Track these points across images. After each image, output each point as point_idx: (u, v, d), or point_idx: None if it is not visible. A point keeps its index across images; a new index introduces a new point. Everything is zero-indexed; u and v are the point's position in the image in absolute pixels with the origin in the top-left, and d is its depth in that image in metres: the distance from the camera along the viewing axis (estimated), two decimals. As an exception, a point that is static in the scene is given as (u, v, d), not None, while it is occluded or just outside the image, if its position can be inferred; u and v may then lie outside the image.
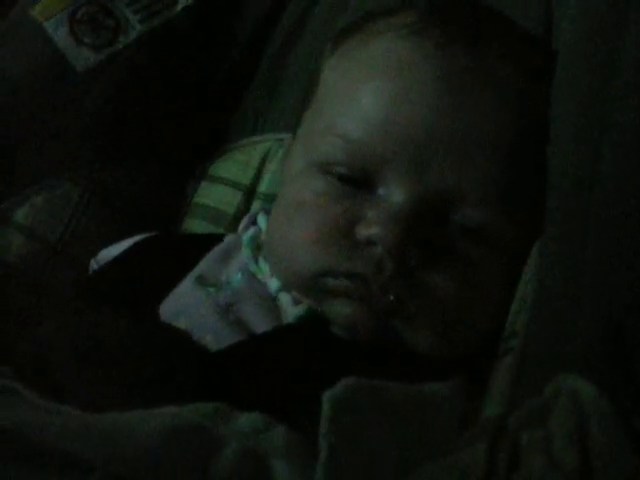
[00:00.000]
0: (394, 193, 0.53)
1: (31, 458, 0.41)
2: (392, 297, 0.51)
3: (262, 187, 0.75)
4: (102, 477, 0.40)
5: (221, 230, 0.74)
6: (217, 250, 0.61)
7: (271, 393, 0.46)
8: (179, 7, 0.80)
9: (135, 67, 0.77)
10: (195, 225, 0.76)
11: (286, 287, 0.56)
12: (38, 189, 0.74)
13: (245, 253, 0.59)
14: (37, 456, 0.41)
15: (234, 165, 0.77)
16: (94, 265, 0.66)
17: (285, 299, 0.55)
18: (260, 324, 0.54)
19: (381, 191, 0.53)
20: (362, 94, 0.55)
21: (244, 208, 0.75)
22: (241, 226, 0.66)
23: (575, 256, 0.43)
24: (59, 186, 0.74)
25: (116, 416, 0.44)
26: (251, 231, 0.61)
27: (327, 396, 0.38)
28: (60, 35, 0.76)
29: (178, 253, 0.61)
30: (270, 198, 0.72)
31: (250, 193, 0.76)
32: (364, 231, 0.52)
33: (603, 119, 0.44)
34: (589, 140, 0.45)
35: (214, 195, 0.77)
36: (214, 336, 0.53)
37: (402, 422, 0.42)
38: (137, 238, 0.66)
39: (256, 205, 0.74)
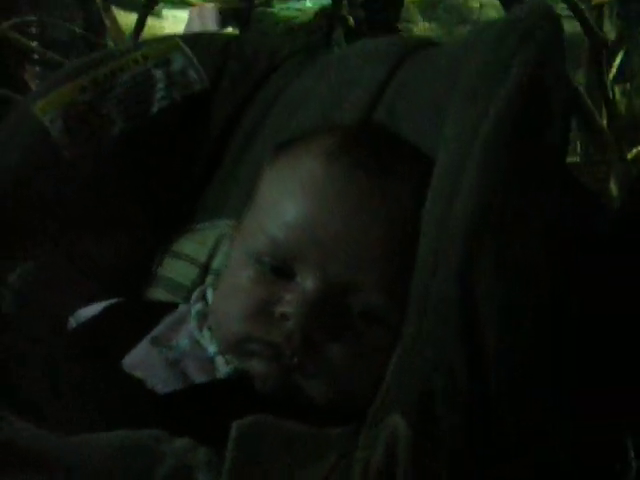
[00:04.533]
0: (305, 282, 0.74)
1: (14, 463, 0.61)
2: (296, 360, 0.72)
3: (215, 265, 0.93)
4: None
5: (178, 298, 0.93)
6: (171, 318, 0.82)
7: (202, 426, 0.67)
8: (155, 109, 1.00)
9: (115, 158, 0.96)
10: (157, 293, 0.94)
11: (221, 351, 0.76)
12: (27, 256, 0.94)
13: (192, 323, 0.80)
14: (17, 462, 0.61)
15: (193, 244, 0.96)
16: (72, 322, 0.86)
17: (220, 360, 0.76)
18: (199, 377, 0.75)
19: (297, 279, 0.74)
20: (286, 206, 0.76)
21: (199, 281, 0.93)
22: (193, 298, 0.86)
23: (417, 333, 0.65)
24: (45, 254, 0.94)
25: (83, 437, 0.64)
26: (198, 306, 0.82)
27: (236, 424, 0.59)
28: (55, 128, 0.95)
29: (139, 318, 0.83)
30: (220, 274, 0.93)
31: (205, 269, 0.94)
32: (280, 309, 0.73)
33: (442, 239, 0.67)
34: (432, 248, 0.68)
35: (174, 269, 0.95)
36: (163, 385, 0.73)
37: (295, 453, 0.63)
38: (107, 303, 0.87)
39: (209, 279, 0.94)
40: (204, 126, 1.01)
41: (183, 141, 1.00)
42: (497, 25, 0.76)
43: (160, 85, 1.00)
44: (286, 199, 0.77)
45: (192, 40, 1.03)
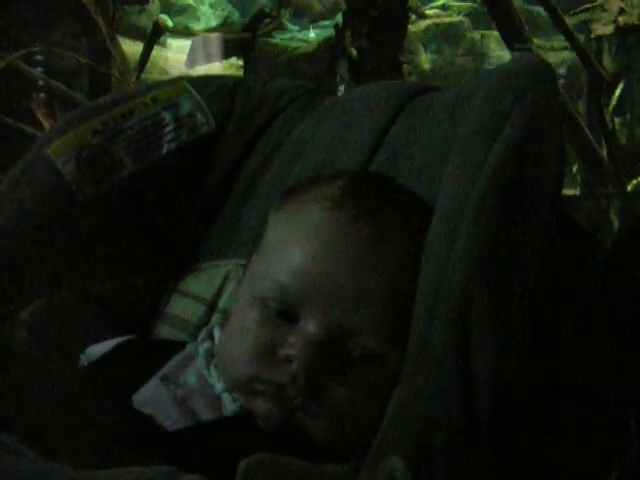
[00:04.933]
0: (309, 325, 0.78)
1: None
2: (299, 400, 0.76)
3: (221, 304, 0.97)
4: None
5: (185, 336, 0.97)
6: (179, 356, 0.85)
7: (210, 462, 0.71)
8: (164, 151, 1.04)
9: (125, 200, 1.01)
10: (165, 331, 0.97)
11: (228, 389, 0.80)
12: (40, 294, 0.98)
13: (200, 362, 0.84)
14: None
15: (200, 283, 0.99)
16: (83, 359, 0.90)
17: (226, 398, 0.80)
18: (206, 415, 0.79)
19: (300, 323, 0.78)
20: (292, 252, 0.80)
21: (205, 319, 0.96)
22: (200, 336, 0.89)
23: (416, 374, 0.69)
24: (57, 292, 0.98)
25: (97, 473, 0.68)
26: (206, 345, 0.86)
27: (243, 463, 0.63)
28: (68, 169, 0.99)
29: (149, 356, 0.86)
30: (226, 313, 0.95)
31: (211, 307, 0.97)
32: (285, 351, 0.77)
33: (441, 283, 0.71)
34: (431, 291, 0.72)
35: (182, 307, 0.98)
36: (172, 422, 0.77)
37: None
38: (118, 340, 0.90)
39: (215, 318, 0.98)
40: (210, 167, 1.05)
41: (190, 182, 1.04)
42: (493, 79, 0.80)
43: (169, 128, 1.03)
44: (291, 245, 0.81)
45: (201, 84, 1.07)
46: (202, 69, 4.28)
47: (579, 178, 4.01)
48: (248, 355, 0.79)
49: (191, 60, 4.20)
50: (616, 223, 3.34)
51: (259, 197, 1.03)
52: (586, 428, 0.78)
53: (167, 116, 1.04)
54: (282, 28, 4.19)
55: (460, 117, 0.83)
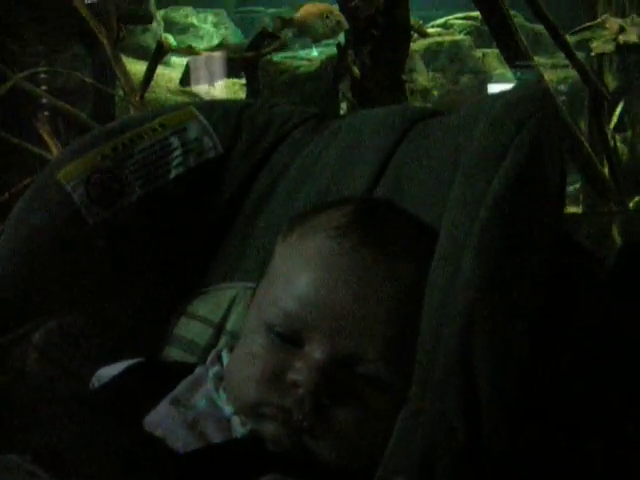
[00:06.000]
0: (315, 351, 0.79)
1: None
2: (306, 423, 0.77)
3: (229, 326, 0.98)
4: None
5: (194, 358, 0.98)
6: (189, 379, 0.87)
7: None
8: (172, 176, 1.06)
9: (134, 223, 1.02)
10: (173, 352, 0.99)
11: (237, 412, 0.82)
12: (51, 316, 1.00)
13: (210, 385, 0.86)
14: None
15: (208, 305, 1.01)
16: (95, 381, 0.92)
17: (235, 421, 0.82)
18: (216, 437, 0.80)
19: (306, 348, 0.80)
20: (298, 279, 0.82)
21: (213, 341, 0.98)
22: (209, 359, 0.91)
23: (421, 397, 0.70)
24: (67, 314, 1.00)
25: None
26: (215, 369, 0.88)
27: None
28: (77, 194, 1.01)
29: (159, 379, 0.88)
30: (234, 335, 0.97)
31: (219, 329, 0.99)
32: (291, 377, 0.79)
33: (446, 310, 0.73)
34: (436, 317, 0.74)
35: (190, 329, 1.00)
36: (183, 444, 0.79)
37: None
38: (129, 363, 0.92)
39: (223, 340, 0.99)
40: (217, 191, 1.07)
41: (197, 205, 1.06)
42: (495, 108, 0.82)
43: (176, 152, 1.05)
44: (297, 273, 0.83)
45: (208, 108, 1.09)
46: (204, 88, 4.31)
47: (581, 196, 4.03)
48: (255, 380, 0.81)
49: (194, 79, 4.22)
50: (618, 240, 3.35)
51: (266, 221, 1.05)
52: (585, 434, 0.80)
53: (175, 141, 1.06)
54: (284, 47, 4.22)
55: (463, 144, 0.85)
